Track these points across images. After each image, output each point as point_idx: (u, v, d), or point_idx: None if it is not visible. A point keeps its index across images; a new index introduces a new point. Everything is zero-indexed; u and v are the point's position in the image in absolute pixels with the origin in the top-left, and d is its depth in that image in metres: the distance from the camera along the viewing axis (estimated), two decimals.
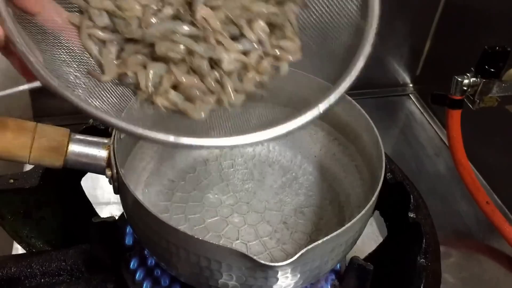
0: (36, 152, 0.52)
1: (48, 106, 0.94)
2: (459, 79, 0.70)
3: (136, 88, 0.46)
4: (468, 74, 0.70)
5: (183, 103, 0.46)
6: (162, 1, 0.45)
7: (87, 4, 0.45)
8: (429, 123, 1.03)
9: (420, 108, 1.07)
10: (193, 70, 0.46)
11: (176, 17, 0.46)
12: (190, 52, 0.45)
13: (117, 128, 0.41)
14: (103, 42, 0.46)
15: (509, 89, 0.70)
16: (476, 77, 0.69)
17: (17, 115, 0.94)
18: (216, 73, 0.46)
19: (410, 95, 1.11)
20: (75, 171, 0.55)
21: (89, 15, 0.45)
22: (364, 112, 0.62)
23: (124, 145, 0.56)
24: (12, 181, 0.62)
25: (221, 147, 0.42)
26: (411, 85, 1.12)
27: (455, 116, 0.73)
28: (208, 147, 0.42)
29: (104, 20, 0.45)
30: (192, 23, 0.45)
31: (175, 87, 0.46)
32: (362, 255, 0.65)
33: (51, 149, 0.52)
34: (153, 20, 0.45)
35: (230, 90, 0.46)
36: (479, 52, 0.68)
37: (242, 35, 0.46)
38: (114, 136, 0.54)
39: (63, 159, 0.53)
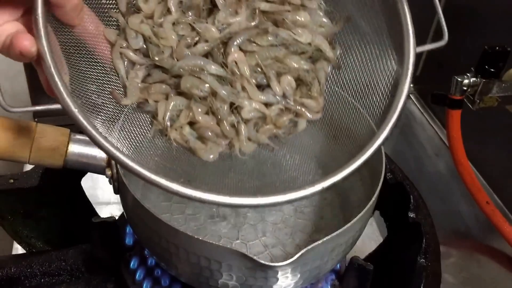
0: (36, 152, 0.52)
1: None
2: (459, 79, 0.70)
3: (153, 117, 0.46)
4: (468, 74, 0.69)
5: (194, 141, 0.46)
6: (199, 36, 0.46)
7: (125, 23, 0.45)
8: (429, 123, 1.03)
9: (420, 108, 1.07)
10: (212, 111, 0.46)
11: (209, 54, 0.46)
12: (213, 92, 0.45)
13: (130, 171, 0.39)
14: (132, 64, 0.46)
15: (509, 89, 0.70)
16: (476, 77, 0.69)
17: (17, 115, 0.95)
18: (234, 118, 0.46)
19: (410, 95, 1.11)
20: (75, 171, 0.56)
21: (125, 35, 0.45)
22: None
23: None
24: (12, 181, 0.62)
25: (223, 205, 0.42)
26: (411, 85, 1.11)
27: (455, 116, 0.73)
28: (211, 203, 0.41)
29: (139, 43, 0.46)
30: (223, 64, 0.45)
31: (190, 123, 0.46)
32: (362, 255, 0.65)
33: (51, 149, 0.52)
34: (186, 52, 0.45)
35: (243, 138, 0.46)
36: (479, 52, 0.68)
37: (269, 85, 0.46)
38: None
39: (63, 159, 0.53)
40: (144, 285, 0.58)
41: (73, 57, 0.42)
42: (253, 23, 0.46)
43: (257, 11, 0.46)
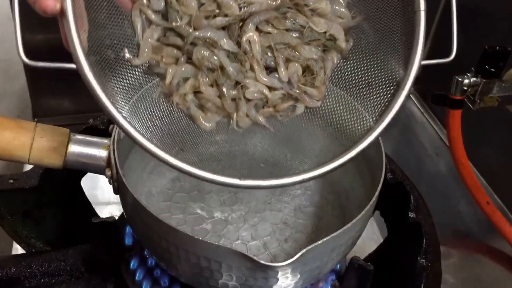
0: (36, 152, 0.52)
1: (48, 106, 0.94)
2: (460, 79, 0.70)
3: (160, 79, 0.47)
4: (468, 74, 0.69)
5: (195, 110, 0.47)
6: (220, 9, 0.46)
7: None
8: (429, 123, 1.03)
9: (420, 108, 1.07)
10: (217, 84, 0.47)
11: (227, 27, 0.47)
12: (222, 67, 0.46)
13: (126, 133, 0.42)
14: (149, 22, 0.46)
15: (510, 89, 0.70)
16: (477, 77, 0.69)
17: (16, 115, 0.95)
18: (236, 93, 0.47)
19: (410, 95, 1.10)
20: (75, 171, 0.55)
21: None
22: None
23: (124, 145, 0.56)
24: (12, 181, 0.62)
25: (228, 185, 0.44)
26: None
27: (456, 116, 0.73)
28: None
29: (160, 5, 0.46)
30: (237, 41, 0.46)
31: (194, 92, 0.47)
32: (362, 255, 0.65)
33: (51, 149, 0.52)
34: (204, 23, 0.46)
35: (242, 114, 0.47)
36: (480, 52, 0.68)
37: (276, 69, 0.47)
38: (114, 136, 0.54)
39: (63, 159, 0.53)
40: (144, 285, 0.58)
41: (94, 8, 0.43)
42: (274, 3, 0.47)
43: None
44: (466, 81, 0.69)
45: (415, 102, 1.09)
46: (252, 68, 0.46)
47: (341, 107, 0.51)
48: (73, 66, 0.40)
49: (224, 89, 0.46)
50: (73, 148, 0.53)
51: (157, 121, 0.47)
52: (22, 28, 0.40)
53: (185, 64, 0.47)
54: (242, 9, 0.46)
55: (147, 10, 0.46)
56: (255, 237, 0.61)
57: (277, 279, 0.48)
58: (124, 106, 0.45)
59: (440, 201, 0.85)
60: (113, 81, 0.45)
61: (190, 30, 0.46)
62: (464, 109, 0.72)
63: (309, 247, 0.46)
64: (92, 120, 0.67)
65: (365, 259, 0.62)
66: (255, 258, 0.45)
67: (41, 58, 0.41)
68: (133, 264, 0.59)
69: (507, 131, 0.83)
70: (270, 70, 0.48)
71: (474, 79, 0.69)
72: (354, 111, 0.50)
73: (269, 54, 0.47)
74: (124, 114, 0.43)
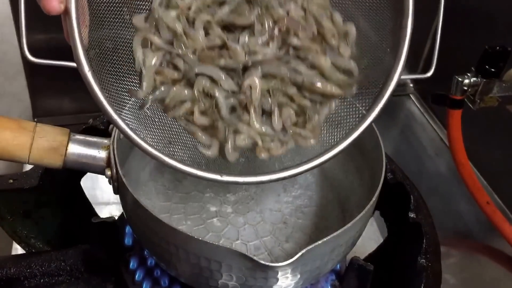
0: (36, 152, 0.52)
1: (48, 106, 0.94)
2: (460, 79, 0.70)
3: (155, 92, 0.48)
4: (468, 74, 0.69)
5: (188, 124, 0.48)
6: (227, 50, 0.47)
7: (159, 13, 0.46)
8: (429, 123, 1.03)
9: (420, 108, 1.07)
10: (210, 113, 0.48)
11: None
12: (217, 102, 0.47)
13: (117, 127, 0.43)
14: (150, 46, 0.47)
15: (510, 89, 0.70)
16: (477, 77, 0.69)
17: (16, 115, 0.95)
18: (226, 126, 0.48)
19: (410, 95, 1.11)
20: (75, 171, 0.55)
21: (156, 22, 0.46)
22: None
23: (124, 145, 0.56)
24: (11, 181, 0.62)
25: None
26: (411, 85, 1.11)
27: (456, 116, 0.73)
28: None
29: (168, 36, 0.47)
30: (238, 80, 0.47)
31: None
32: (362, 255, 0.65)
33: (51, 149, 0.52)
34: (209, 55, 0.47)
35: (229, 147, 0.48)
36: (480, 52, 0.68)
37: (270, 114, 0.48)
38: (114, 136, 0.54)
39: (62, 159, 0.53)
40: (144, 285, 0.58)
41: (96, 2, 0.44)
42: (277, 50, 0.47)
43: (289, 46, 0.48)
44: (466, 81, 0.69)
45: (415, 102, 1.09)
46: (248, 111, 0.47)
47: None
48: (74, 64, 0.41)
49: (218, 124, 0.47)
50: (73, 148, 0.53)
51: (148, 111, 0.48)
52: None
53: (185, 90, 0.47)
54: (247, 56, 0.47)
55: (153, 37, 0.46)
56: (255, 237, 0.61)
57: (277, 279, 0.48)
58: (124, 104, 0.46)
59: (440, 201, 0.85)
60: (112, 78, 0.45)
61: (192, 57, 0.46)
62: (464, 109, 0.72)
63: (309, 247, 0.46)
64: (92, 120, 0.67)
65: (365, 259, 0.62)
66: (255, 258, 0.45)
67: (42, 57, 0.41)
68: (133, 264, 0.59)
69: (507, 131, 0.83)
70: (265, 112, 0.48)
71: (474, 79, 0.69)
72: (346, 103, 0.50)
73: (268, 99, 0.48)
74: (124, 111, 0.44)
